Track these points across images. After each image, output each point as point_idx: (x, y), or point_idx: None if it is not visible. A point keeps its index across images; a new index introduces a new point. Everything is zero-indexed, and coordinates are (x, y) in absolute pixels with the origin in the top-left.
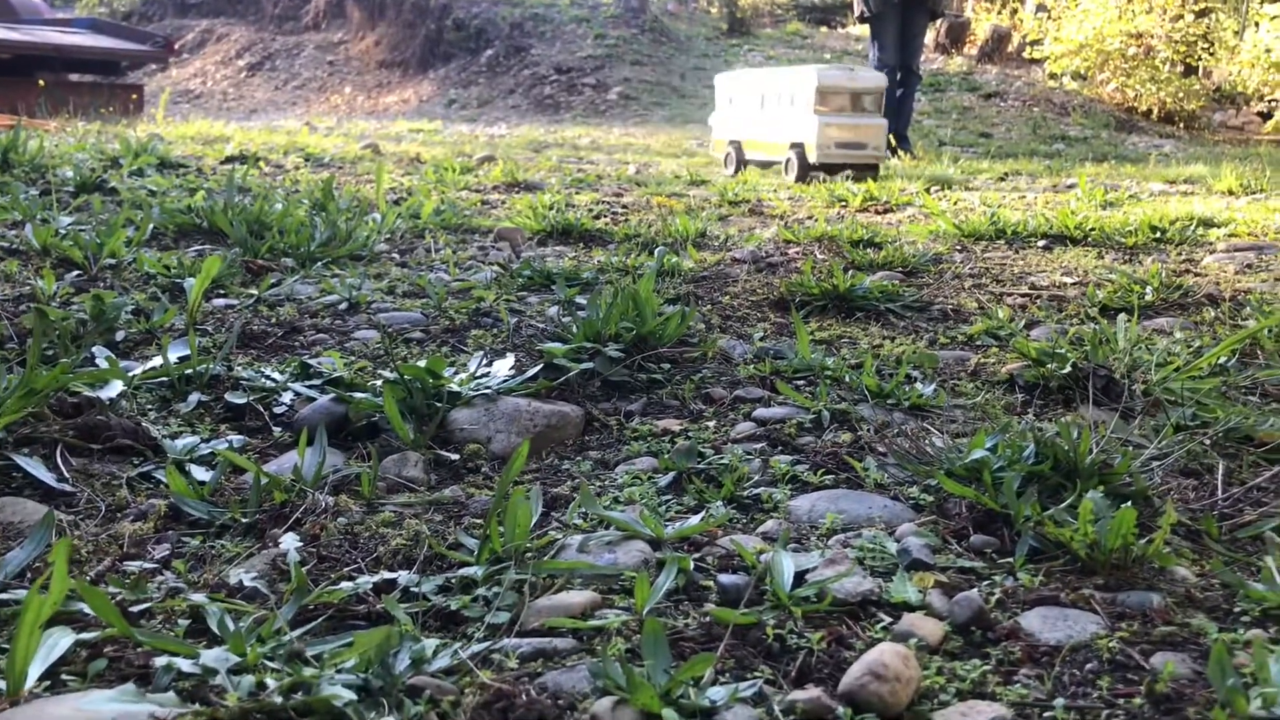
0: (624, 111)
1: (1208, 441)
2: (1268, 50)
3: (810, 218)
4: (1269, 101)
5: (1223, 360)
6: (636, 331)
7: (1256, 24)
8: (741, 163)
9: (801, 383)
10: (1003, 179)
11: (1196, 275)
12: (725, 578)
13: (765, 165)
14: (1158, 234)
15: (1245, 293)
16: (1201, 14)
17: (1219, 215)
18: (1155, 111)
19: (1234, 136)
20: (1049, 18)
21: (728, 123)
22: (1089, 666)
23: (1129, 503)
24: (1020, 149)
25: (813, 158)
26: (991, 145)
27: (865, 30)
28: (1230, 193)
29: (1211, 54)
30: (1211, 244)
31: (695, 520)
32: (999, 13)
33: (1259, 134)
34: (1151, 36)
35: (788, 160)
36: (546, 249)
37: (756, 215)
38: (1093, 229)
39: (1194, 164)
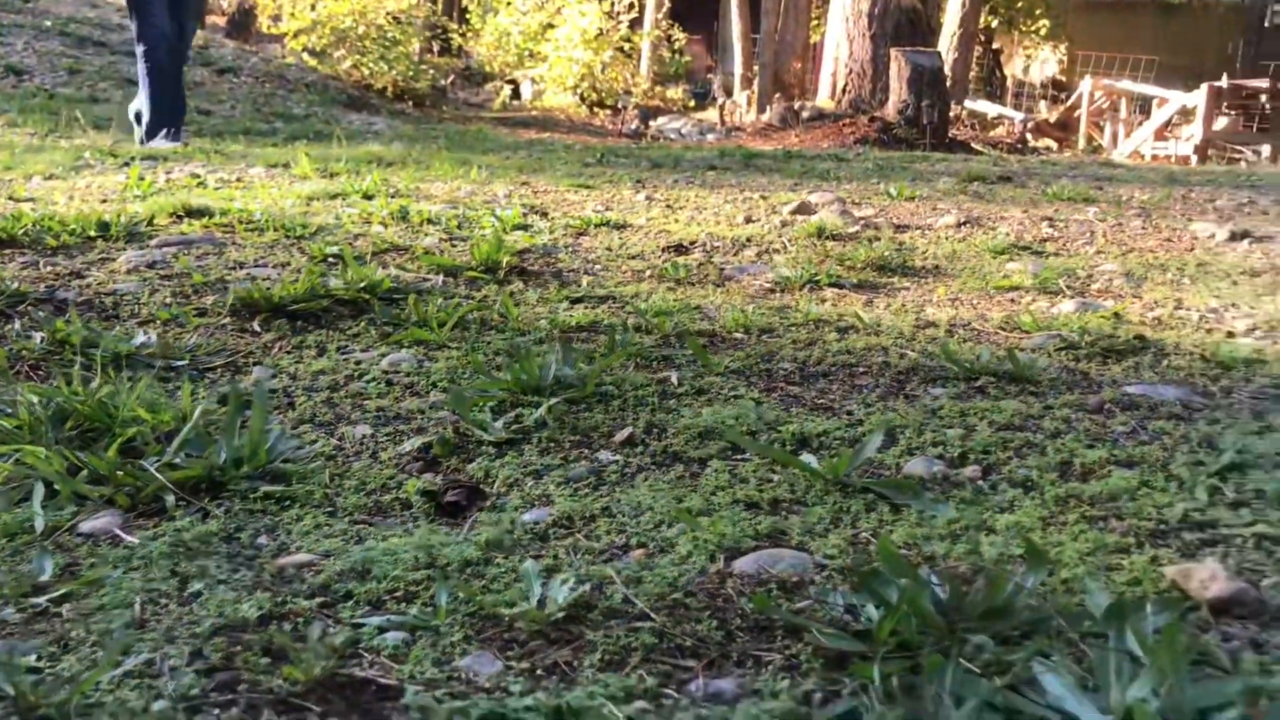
0: None
1: None
2: (506, 34)
3: None
4: (508, 80)
5: None
6: None
7: (496, 10)
8: None
9: None
10: (126, 163)
11: (81, 278)
12: None
13: None
14: (103, 230)
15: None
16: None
17: (224, 204)
18: (390, 90)
19: (463, 114)
20: None
21: None
22: None
23: None
24: (237, 127)
25: None
26: (207, 123)
27: None
28: (305, 177)
29: (464, 36)
30: (155, 237)
31: None
32: None
33: (489, 112)
34: (396, 16)
35: None
36: None
37: None
38: (32, 225)
39: (371, 143)
